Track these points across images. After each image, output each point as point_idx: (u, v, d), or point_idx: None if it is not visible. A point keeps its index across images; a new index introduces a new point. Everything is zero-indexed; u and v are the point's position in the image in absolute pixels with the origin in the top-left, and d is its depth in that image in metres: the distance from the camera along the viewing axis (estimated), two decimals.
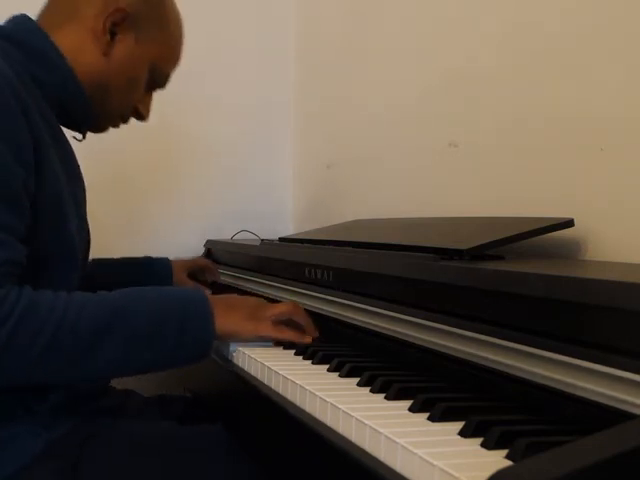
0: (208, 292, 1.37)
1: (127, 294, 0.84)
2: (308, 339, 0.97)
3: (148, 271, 1.36)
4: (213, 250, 1.81)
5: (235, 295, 1.03)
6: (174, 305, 0.84)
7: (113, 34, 0.99)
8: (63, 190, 0.90)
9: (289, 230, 2.02)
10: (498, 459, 0.52)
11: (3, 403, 0.84)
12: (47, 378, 0.80)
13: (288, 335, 0.96)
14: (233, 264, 1.62)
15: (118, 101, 1.04)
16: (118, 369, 0.82)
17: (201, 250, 1.84)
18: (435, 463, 0.50)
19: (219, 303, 0.89)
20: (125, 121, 1.10)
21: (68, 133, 1.03)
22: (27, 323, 0.73)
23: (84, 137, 1.09)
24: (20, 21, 0.97)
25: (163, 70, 1.07)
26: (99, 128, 1.08)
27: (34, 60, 0.93)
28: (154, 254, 1.84)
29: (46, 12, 1.01)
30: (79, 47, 0.97)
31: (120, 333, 0.79)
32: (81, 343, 0.76)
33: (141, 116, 1.10)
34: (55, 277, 0.89)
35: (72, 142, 1.03)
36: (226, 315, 0.89)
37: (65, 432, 0.88)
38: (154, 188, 1.91)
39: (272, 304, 1.00)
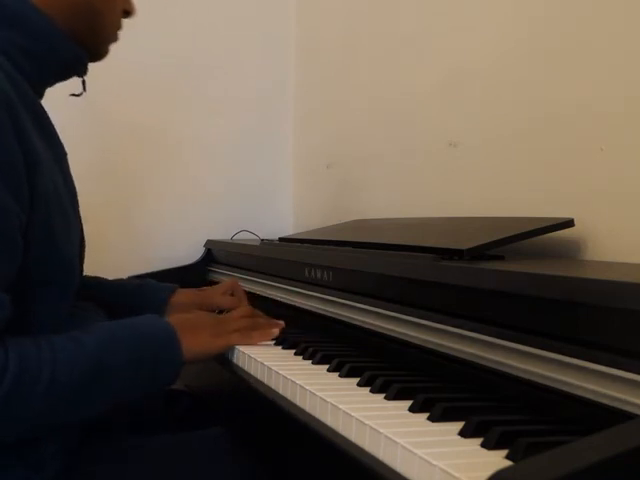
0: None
1: (105, 342, 0.82)
2: (275, 331, 1.01)
3: (142, 300, 1.23)
4: (213, 250, 1.81)
5: (193, 315, 1.00)
6: (147, 345, 0.85)
7: None
8: (58, 203, 0.85)
9: (289, 230, 2.02)
10: (498, 459, 0.52)
11: None
12: (49, 425, 0.79)
13: (257, 338, 1.00)
14: (233, 264, 1.62)
15: (112, 16, 0.96)
16: (107, 403, 0.82)
17: (201, 250, 1.84)
18: (435, 463, 0.50)
19: (184, 329, 0.89)
20: (120, 28, 1.00)
21: (65, 92, 0.98)
22: (22, 383, 0.72)
23: (84, 89, 1.02)
24: None
25: None
26: (103, 54, 1.00)
27: (18, 32, 0.86)
28: (154, 254, 1.85)
29: None
30: None
31: (107, 376, 0.80)
32: (76, 390, 0.76)
33: (129, 13, 1.01)
34: (49, 305, 0.85)
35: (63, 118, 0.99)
36: (194, 339, 0.90)
37: (59, 470, 0.85)
38: (154, 188, 1.91)
39: (229, 316, 1.02)
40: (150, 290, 1.22)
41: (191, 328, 0.91)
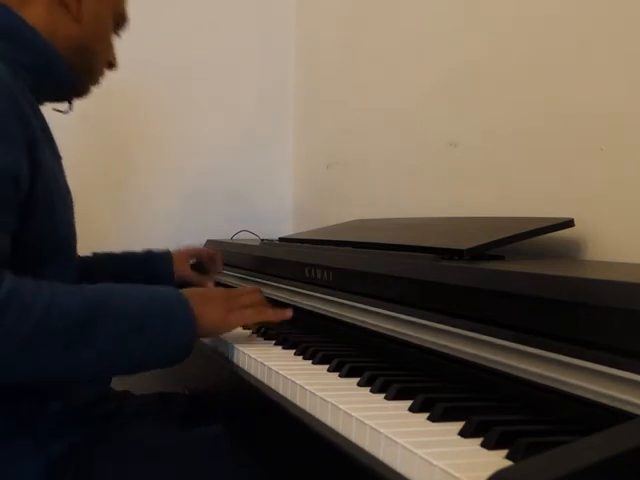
0: (210, 285, 1.38)
1: (110, 287, 0.83)
2: (289, 313, 1.01)
3: (148, 266, 1.32)
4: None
5: (205, 289, 1.03)
6: (157, 301, 0.84)
7: None
8: (57, 184, 0.90)
9: (289, 230, 2.02)
10: (498, 459, 0.52)
11: (1, 419, 0.83)
12: (36, 370, 0.75)
13: (272, 315, 1.00)
14: (233, 264, 1.62)
15: (100, 60, 1.04)
16: (105, 362, 0.79)
17: None
18: (435, 463, 0.50)
19: (198, 302, 0.88)
20: (103, 75, 1.08)
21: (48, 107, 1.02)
22: (10, 312, 0.71)
23: (71, 109, 1.07)
24: None
25: (122, 13, 1.07)
26: (86, 92, 1.07)
27: (16, 44, 0.91)
28: None
29: None
30: (49, 21, 0.95)
31: (107, 323, 0.77)
32: (69, 329, 0.74)
33: (113, 65, 1.09)
34: (51, 273, 0.87)
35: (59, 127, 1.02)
36: (208, 313, 0.89)
37: (64, 450, 0.86)
38: (154, 188, 1.91)
39: (241, 290, 1.03)
40: (154, 256, 1.34)
41: (204, 301, 0.90)
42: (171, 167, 1.93)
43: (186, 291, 0.90)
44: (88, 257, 1.25)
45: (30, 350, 0.72)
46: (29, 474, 0.82)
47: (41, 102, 0.98)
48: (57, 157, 0.96)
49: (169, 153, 1.92)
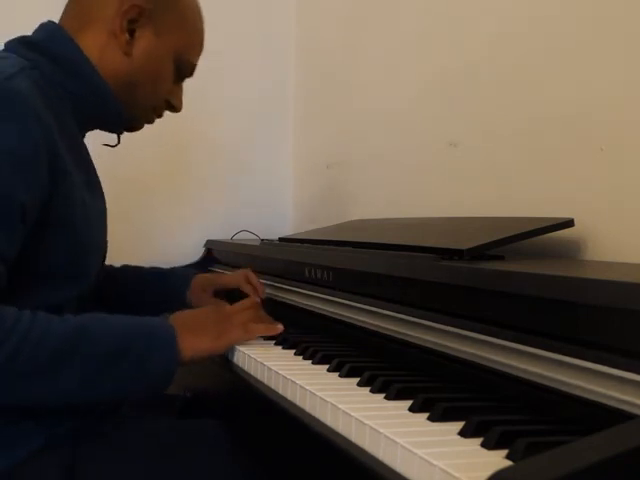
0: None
1: (94, 318, 0.84)
2: (279, 329, 1.01)
3: (162, 285, 1.30)
4: (213, 250, 1.81)
5: (197, 312, 0.99)
6: (139, 333, 0.84)
7: (132, 32, 0.99)
8: (80, 213, 0.91)
9: (289, 230, 2.02)
10: (498, 459, 0.52)
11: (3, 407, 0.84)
12: (16, 395, 0.78)
13: (259, 331, 1.00)
14: (233, 264, 1.62)
15: (147, 97, 1.04)
16: (88, 387, 0.80)
17: (201, 250, 1.84)
18: (435, 463, 0.50)
19: (186, 330, 0.88)
20: (159, 115, 1.11)
21: (98, 140, 1.06)
22: None
23: (119, 141, 1.11)
24: (50, 30, 0.97)
25: (188, 59, 1.07)
26: (134, 127, 1.09)
27: (65, 71, 0.94)
28: (154, 254, 1.84)
29: (66, 16, 1.00)
30: (101, 50, 0.97)
31: (85, 356, 0.79)
32: (43, 359, 0.76)
33: (173, 107, 1.11)
34: (53, 295, 0.89)
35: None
36: (194, 340, 0.89)
37: (64, 431, 0.88)
38: (154, 188, 1.91)
39: (232, 309, 1.01)
40: (174, 276, 1.31)
41: (193, 329, 0.90)
42: (171, 167, 1.93)
43: (176, 318, 0.91)
44: (115, 268, 1.31)
45: (7, 375, 0.74)
46: (26, 449, 0.83)
47: (85, 131, 1.01)
48: (91, 185, 0.98)
49: (169, 153, 1.92)
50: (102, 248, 1.05)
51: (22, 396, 0.78)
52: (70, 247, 0.90)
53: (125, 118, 1.04)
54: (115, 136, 1.11)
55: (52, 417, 0.87)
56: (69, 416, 0.90)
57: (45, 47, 0.94)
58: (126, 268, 1.34)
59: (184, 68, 1.07)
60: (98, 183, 1.03)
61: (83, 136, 1.02)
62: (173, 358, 0.85)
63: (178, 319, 0.91)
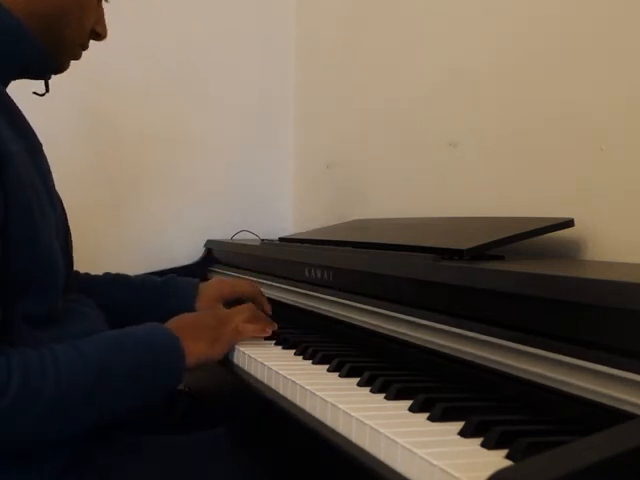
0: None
1: (105, 347, 0.83)
2: (268, 332, 1.01)
3: (169, 295, 1.21)
4: (213, 250, 1.81)
5: (195, 317, 0.98)
6: (149, 354, 0.85)
7: None
8: (38, 201, 0.82)
9: (289, 230, 2.02)
10: (498, 459, 0.52)
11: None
12: (44, 442, 0.78)
13: (249, 332, 0.99)
14: (233, 264, 1.62)
15: (74, 29, 0.92)
16: (107, 416, 0.82)
17: (201, 250, 1.84)
18: (435, 463, 0.50)
19: (185, 336, 0.89)
20: (85, 47, 0.97)
21: (28, 89, 0.94)
22: (24, 397, 0.71)
23: (47, 90, 0.97)
24: None
25: None
26: (62, 67, 0.96)
27: None
28: (154, 254, 1.85)
29: None
30: None
31: (108, 385, 0.79)
32: (78, 401, 0.76)
33: (100, 35, 0.98)
34: (36, 296, 0.84)
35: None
36: (194, 346, 0.90)
37: (66, 460, 0.85)
38: (154, 188, 1.91)
39: (229, 312, 1.01)
40: (177, 284, 1.21)
41: (191, 334, 0.90)
42: (171, 167, 1.93)
43: (175, 324, 0.91)
44: (99, 277, 1.20)
45: (42, 424, 0.74)
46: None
47: (7, 82, 0.88)
48: (32, 148, 0.86)
49: (169, 153, 1.92)
50: (63, 227, 0.96)
51: (43, 438, 0.77)
52: (28, 248, 0.80)
53: (50, 58, 0.91)
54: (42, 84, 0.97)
55: (52, 458, 0.84)
56: (70, 453, 0.87)
57: None
58: (120, 278, 1.22)
59: None
60: (40, 145, 0.89)
61: (5, 85, 0.88)
62: (180, 366, 0.87)
63: (177, 325, 0.91)
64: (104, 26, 0.98)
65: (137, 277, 1.26)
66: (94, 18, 0.95)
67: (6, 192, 0.76)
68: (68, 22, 0.90)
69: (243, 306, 1.05)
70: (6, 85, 0.89)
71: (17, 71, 0.90)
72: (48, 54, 0.90)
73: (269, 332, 1.01)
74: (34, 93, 0.97)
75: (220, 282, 1.26)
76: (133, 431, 0.97)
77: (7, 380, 0.70)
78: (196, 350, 0.89)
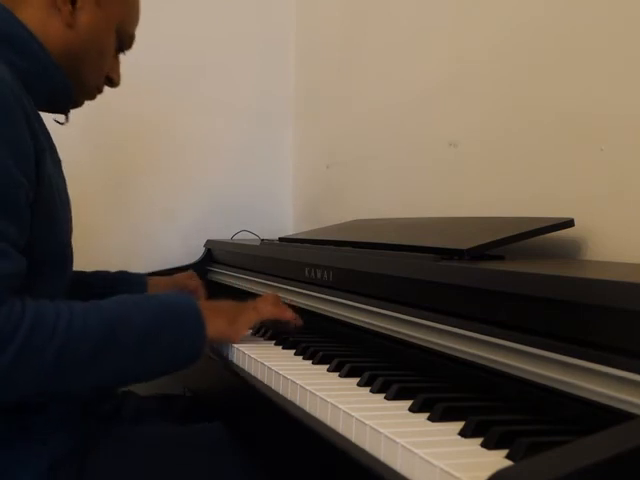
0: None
1: (124, 302, 0.84)
2: (290, 315, 1.02)
3: (123, 287, 1.27)
4: (213, 250, 1.81)
5: (215, 301, 1.01)
6: (170, 310, 0.86)
7: (73, 3, 0.94)
8: (57, 195, 0.90)
9: (289, 230, 2.02)
10: (498, 459, 0.52)
11: (2, 424, 0.83)
12: (59, 388, 0.78)
13: (268, 312, 1.00)
14: (233, 264, 1.62)
15: (92, 71, 1.00)
16: (123, 374, 0.82)
17: (201, 250, 1.84)
18: (436, 463, 0.50)
19: (206, 311, 0.89)
20: (100, 91, 1.06)
21: (48, 117, 0.99)
22: (36, 335, 0.73)
23: (67, 119, 1.06)
24: None
25: (128, 31, 1.04)
26: (77, 104, 1.04)
27: (13, 50, 0.89)
28: (154, 254, 1.85)
29: None
30: (43, 24, 0.93)
31: (125, 339, 0.79)
32: (90, 349, 0.76)
33: (113, 82, 1.07)
34: (47, 285, 0.88)
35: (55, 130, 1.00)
36: (214, 321, 0.90)
37: (67, 449, 0.87)
38: (154, 188, 1.91)
39: (254, 300, 1.02)
40: (131, 277, 1.28)
41: (211, 312, 0.91)
42: (171, 167, 1.93)
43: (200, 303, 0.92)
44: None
45: (57, 370, 0.74)
46: (32, 474, 0.82)
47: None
48: (57, 163, 0.95)
49: (169, 153, 1.92)
50: (71, 230, 1.01)
51: (65, 387, 0.78)
52: (53, 230, 0.88)
53: (73, 93, 0.99)
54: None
55: (50, 436, 0.86)
56: (71, 434, 0.89)
57: None
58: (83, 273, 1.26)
59: (125, 40, 1.04)
60: (60, 161, 0.99)
61: None
62: (203, 335, 0.86)
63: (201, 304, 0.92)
64: (118, 75, 1.07)
65: (90, 272, 1.27)
66: (110, 65, 1.03)
67: (38, 184, 0.83)
68: (87, 63, 0.98)
69: (265, 294, 1.07)
70: None
71: (44, 101, 0.96)
72: (72, 89, 0.98)
73: (290, 315, 1.02)
74: (55, 121, 1.04)
75: (164, 278, 1.34)
76: (133, 431, 0.97)
77: (20, 319, 0.72)
78: (216, 325, 0.90)
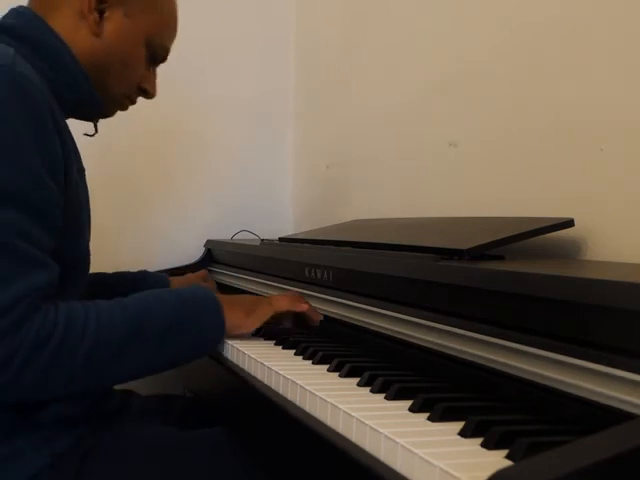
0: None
1: (146, 297, 0.88)
2: (304, 307, 1.03)
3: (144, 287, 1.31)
4: (213, 250, 1.81)
5: (232, 295, 1.06)
6: (190, 302, 0.89)
7: (101, 12, 0.95)
8: (82, 201, 0.93)
9: (289, 230, 2.02)
10: (498, 459, 0.52)
11: (4, 416, 0.84)
12: (85, 387, 0.82)
13: (283, 304, 1.01)
14: (233, 264, 1.62)
15: (119, 81, 1.01)
16: (144, 367, 0.85)
17: (201, 250, 1.84)
18: (435, 463, 0.50)
19: (223, 301, 0.93)
20: (133, 101, 1.08)
21: (77, 129, 1.02)
22: (68, 338, 0.76)
23: (96, 130, 1.08)
24: (26, 16, 0.93)
25: (160, 43, 1.03)
26: (107, 113, 1.06)
27: (45, 58, 0.91)
28: (154, 254, 1.85)
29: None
30: (71, 32, 0.94)
31: (149, 333, 0.83)
32: (116, 347, 0.80)
33: (147, 93, 1.08)
34: (71, 287, 0.90)
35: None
36: (231, 312, 0.93)
37: (68, 445, 0.87)
38: (154, 188, 1.91)
39: (269, 299, 1.02)
40: (151, 277, 1.32)
41: (228, 305, 0.93)
42: (171, 167, 1.93)
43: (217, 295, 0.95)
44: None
45: (86, 369, 0.78)
46: (31, 472, 0.82)
47: (66, 116, 0.97)
48: (81, 171, 0.97)
49: (169, 153, 1.92)
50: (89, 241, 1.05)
51: (94, 383, 0.83)
52: (79, 235, 0.91)
53: (99, 102, 1.01)
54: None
55: (52, 431, 0.87)
56: (72, 432, 0.89)
57: (23, 34, 0.91)
58: (94, 276, 1.29)
59: (157, 52, 1.04)
60: (84, 170, 1.01)
61: None
62: (222, 324, 0.91)
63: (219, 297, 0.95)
64: (153, 86, 1.08)
65: (111, 274, 1.32)
66: (140, 74, 1.04)
67: (66, 189, 0.85)
68: (112, 74, 0.99)
69: (286, 292, 1.09)
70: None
71: (71, 110, 0.98)
72: (98, 97, 0.99)
73: (305, 307, 1.02)
74: (85, 134, 1.08)
75: (179, 278, 1.39)
76: (134, 431, 0.97)
77: (55, 323, 0.76)
78: (233, 316, 0.93)
